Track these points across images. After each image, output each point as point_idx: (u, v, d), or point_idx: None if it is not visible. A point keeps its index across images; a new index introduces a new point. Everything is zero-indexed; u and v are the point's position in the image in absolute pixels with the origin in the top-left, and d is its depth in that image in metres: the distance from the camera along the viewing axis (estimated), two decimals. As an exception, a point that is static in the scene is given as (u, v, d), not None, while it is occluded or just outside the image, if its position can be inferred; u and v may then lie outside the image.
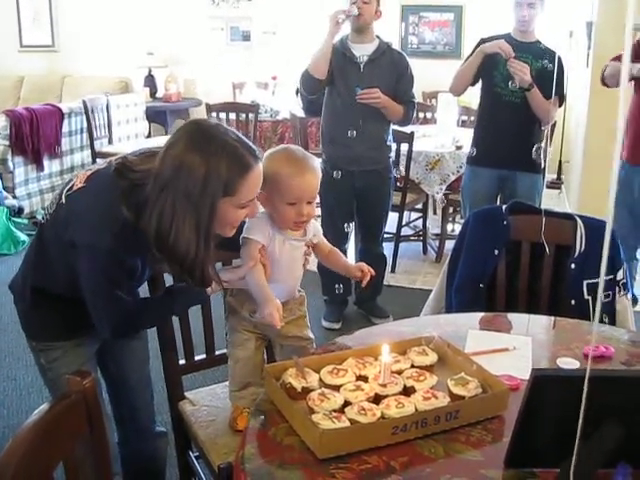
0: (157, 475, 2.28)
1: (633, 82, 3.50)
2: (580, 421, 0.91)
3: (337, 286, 3.94)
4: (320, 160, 4.05)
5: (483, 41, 3.66)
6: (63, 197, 1.77)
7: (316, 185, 1.89)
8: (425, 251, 5.32)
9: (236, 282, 1.91)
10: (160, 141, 1.96)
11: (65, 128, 6.30)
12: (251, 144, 1.70)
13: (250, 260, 1.86)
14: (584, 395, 0.90)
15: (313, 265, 2.21)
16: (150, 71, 7.95)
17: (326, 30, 3.56)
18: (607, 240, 0.88)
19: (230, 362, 2.03)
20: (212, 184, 1.60)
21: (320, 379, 1.62)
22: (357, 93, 3.50)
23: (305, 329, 2.04)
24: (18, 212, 5.68)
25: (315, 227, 2.02)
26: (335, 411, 1.47)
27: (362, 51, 3.61)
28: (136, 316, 1.85)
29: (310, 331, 2.05)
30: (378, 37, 3.66)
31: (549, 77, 3.38)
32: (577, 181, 5.43)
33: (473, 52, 3.66)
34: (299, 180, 1.84)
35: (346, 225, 3.83)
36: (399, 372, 1.65)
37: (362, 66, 3.59)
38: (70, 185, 1.78)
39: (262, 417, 1.56)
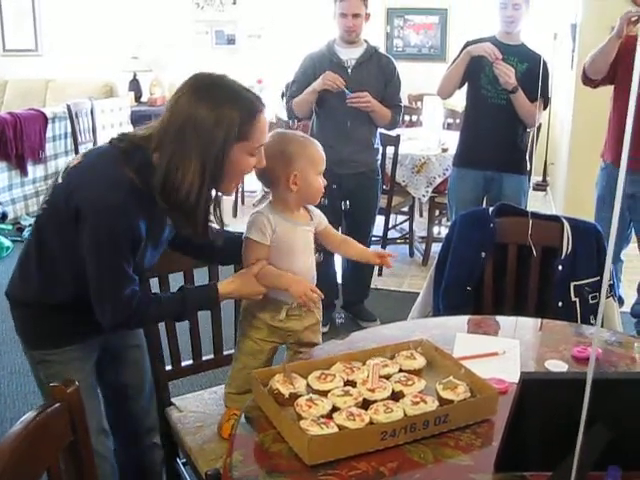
0: None
1: (613, 86, 3.52)
2: (582, 424, 0.90)
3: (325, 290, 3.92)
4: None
5: (469, 44, 3.66)
6: (60, 178, 1.75)
7: None
8: (412, 254, 5.32)
9: (252, 288, 1.88)
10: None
11: (49, 133, 6.25)
12: (254, 91, 1.74)
13: (256, 261, 1.88)
14: (586, 397, 0.89)
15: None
16: (135, 75, 7.92)
17: (315, 83, 3.55)
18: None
19: (235, 365, 1.98)
20: (224, 129, 1.62)
21: (308, 384, 1.61)
22: (347, 96, 3.49)
23: (319, 335, 2.01)
24: (2, 218, 5.64)
25: (317, 212, 2.03)
26: (323, 417, 1.46)
27: (349, 55, 3.59)
28: (142, 306, 1.77)
29: (321, 337, 2.03)
30: (366, 41, 3.64)
31: (534, 80, 3.39)
32: (562, 183, 5.45)
33: (459, 55, 3.67)
34: (320, 150, 1.93)
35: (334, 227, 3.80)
36: (387, 377, 1.64)
37: (350, 70, 3.57)
38: (65, 167, 1.77)
39: (249, 426, 1.55)
